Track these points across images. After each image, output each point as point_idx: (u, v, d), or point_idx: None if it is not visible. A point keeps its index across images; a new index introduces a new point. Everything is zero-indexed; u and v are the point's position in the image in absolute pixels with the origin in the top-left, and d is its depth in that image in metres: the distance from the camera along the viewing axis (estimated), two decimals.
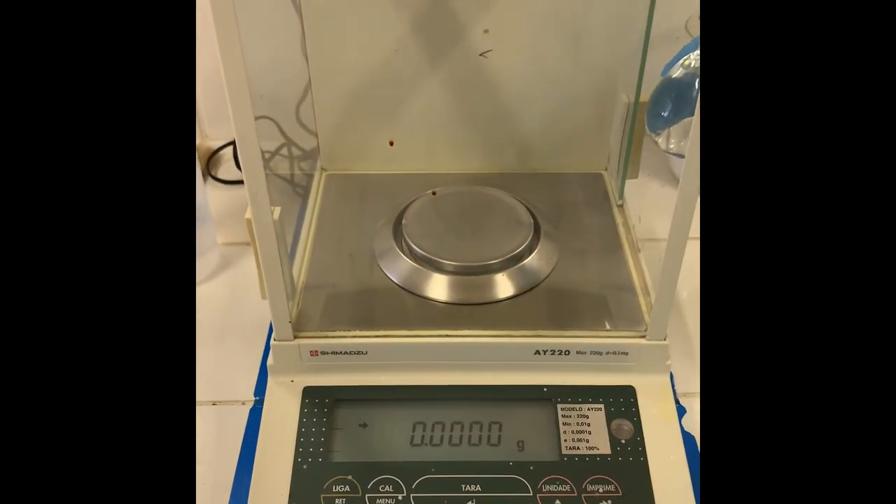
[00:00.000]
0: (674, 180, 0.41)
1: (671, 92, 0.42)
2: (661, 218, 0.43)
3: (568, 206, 0.60)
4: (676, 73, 0.42)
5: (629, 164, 0.58)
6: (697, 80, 0.40)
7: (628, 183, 0.60)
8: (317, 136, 0.64)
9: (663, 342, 0.48)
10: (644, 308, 0.50)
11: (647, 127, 0.46)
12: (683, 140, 0.42)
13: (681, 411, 0.52)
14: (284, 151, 0.75)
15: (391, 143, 0.62)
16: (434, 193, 0.59)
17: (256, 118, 0.71)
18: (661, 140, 0.46)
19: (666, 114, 0.43)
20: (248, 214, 0.43)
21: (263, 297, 0.47)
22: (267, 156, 0.75)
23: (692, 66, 0.41)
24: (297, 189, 0.73)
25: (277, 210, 0.44)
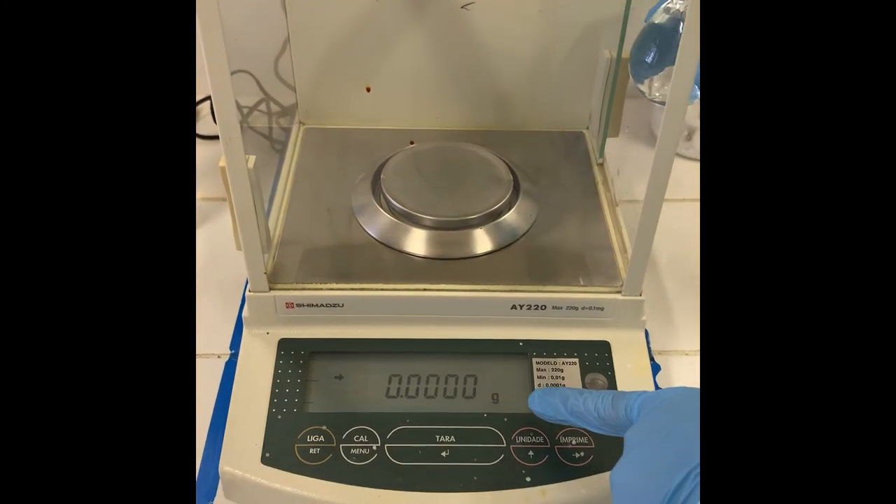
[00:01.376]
0: (654, 140, 0.41)
1: (655, 38, 0.41)
2: (641, 178, 0.43)
3: (548, 164, 0.60)
4: (659, 18, 0.41)
5: (610, 122, 0.58)
6: (682, 25, 0.40)
7: (609, 142, 0.60)
8: (295, 89, 0.63)
9: (639, 298, 0.48)
10: (621, 264, 0.50)
11: (631, 76, 0.45)
12: (668, 87, 0.42)
13: (655, 368, 0.53)
14: (263, 107, 0.74)
15: (368, 90, 0.61)
16: (412, 143, 0.58)
17: (234, 72, 0.69)
18: (645, 88, 0.45)
19: (650, 60, 0.42)
20: (223, 162, 0.42)
21: (239, 248, 0.46)
22: (245, 111, 0.74)
23: (676, 10, 0.40)
24: (276, 145, 0.72)
25: (252, 158, 0.43)
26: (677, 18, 0.41)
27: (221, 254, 0.62)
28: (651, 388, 0.47)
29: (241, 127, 0.41)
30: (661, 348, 0.55)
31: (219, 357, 0.54)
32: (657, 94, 0.45)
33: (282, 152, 0.62)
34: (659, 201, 0.43)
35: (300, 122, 0.64)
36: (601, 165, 0.60)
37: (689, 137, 0.71)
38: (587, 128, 0.64)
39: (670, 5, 0.41)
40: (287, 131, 0.65)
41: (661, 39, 0.41)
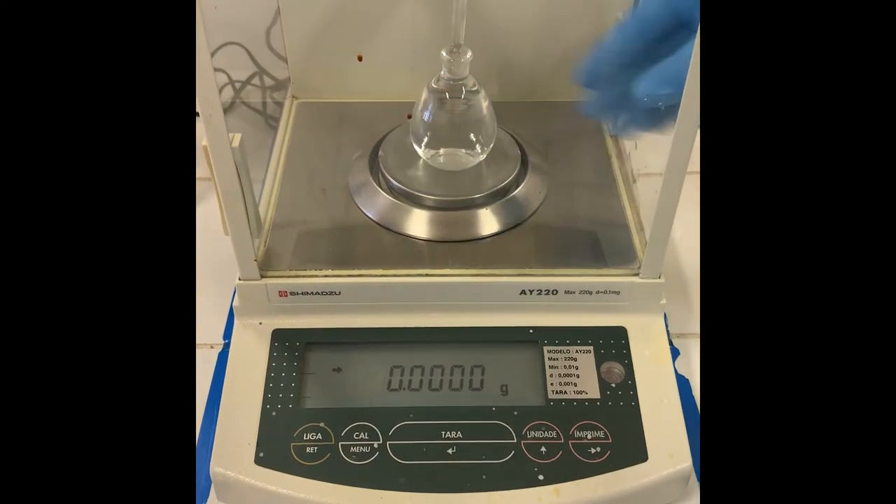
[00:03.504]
0: None
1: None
2: (658, 150, 0.41)
3: (558, 137, 0.56)
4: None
5: None
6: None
7: None
8: (287, 61, 0.60)
9: (658, 280, 0.45)
10: (638, 245, 0.47)
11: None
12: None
13: (675, 353, 0.50)
14: (257, 81, 0.71)
15: (360, 58, 0.58)
16: (409, 117, 0.55)
17: (225, 44, 0.65)
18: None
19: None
20: (205, 142, 0.39)
21: (226, 232, 0.43)
22: (238, 85, 0.71)
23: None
24: (270, 121, 0.69)
25: (237, 137, 0.40)
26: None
27: (215, 237, 0.59)
28: (671, 375, 0.44)
29: (234, 103, 0.38)
30: (679, 331, 0.53)
31: (212, 347, 0.51)
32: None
33: (275, 129, 0.59)
34: (680, 177, 0.40)
35: (293, 97, 0.60)
36: (615, 138, 0.56)
37: None
38: None
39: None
40: (282, 106, 0.62)
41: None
